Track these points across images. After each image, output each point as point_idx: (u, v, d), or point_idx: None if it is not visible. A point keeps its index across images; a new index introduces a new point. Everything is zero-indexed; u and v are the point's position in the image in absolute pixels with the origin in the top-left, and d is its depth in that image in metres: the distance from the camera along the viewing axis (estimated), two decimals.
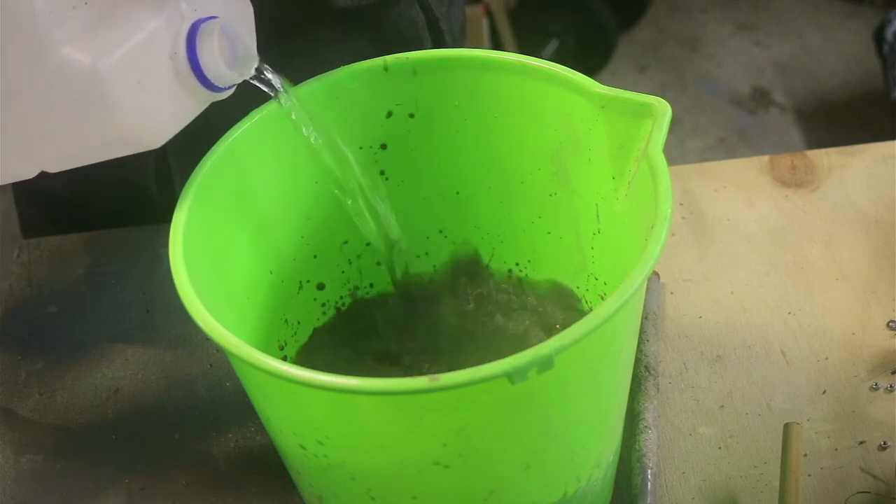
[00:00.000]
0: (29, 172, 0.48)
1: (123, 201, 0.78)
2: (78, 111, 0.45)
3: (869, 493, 0.57)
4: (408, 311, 0.61)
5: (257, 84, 0.51)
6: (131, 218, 0.77)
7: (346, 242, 0.60)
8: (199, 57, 0.47)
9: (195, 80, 0.47)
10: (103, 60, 0.44)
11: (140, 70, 0.45)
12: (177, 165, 0.74)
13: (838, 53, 2.16)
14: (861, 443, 0.59)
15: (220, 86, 0.48)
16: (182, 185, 0.49)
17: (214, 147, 0.51)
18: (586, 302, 0.59)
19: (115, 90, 0.44)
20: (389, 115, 0.56)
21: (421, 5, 0.74)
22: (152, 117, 0.46)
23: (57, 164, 0.48)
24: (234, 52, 0.49)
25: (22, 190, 0.84)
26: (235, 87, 0.50)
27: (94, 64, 0.44)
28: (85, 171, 0.49)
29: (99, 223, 0.77)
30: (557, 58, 1.58)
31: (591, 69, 2.06)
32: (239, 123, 0.52)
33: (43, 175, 0.49)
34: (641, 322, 0.60)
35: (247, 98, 0.51)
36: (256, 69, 0.50)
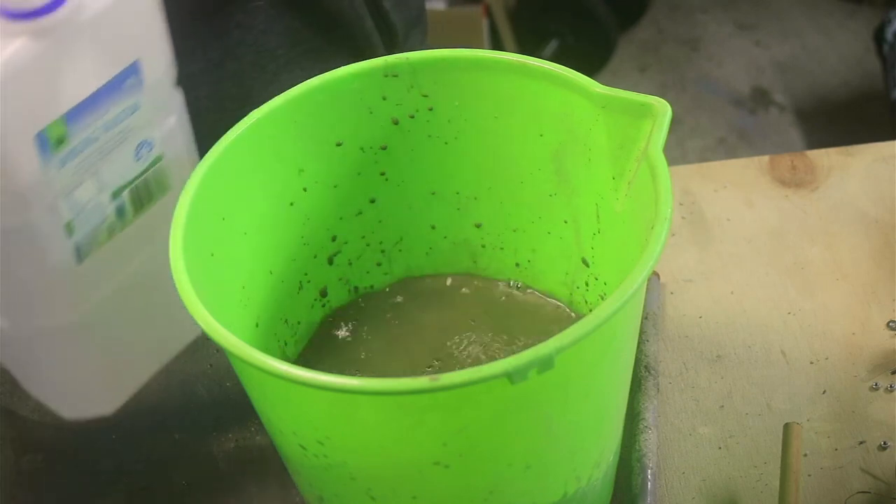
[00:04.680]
0: None
1: None
2: None
3: (869, 493, 0.57)
4: (408, 311, 0.62)
5: None
6: None
7: (346, 243, 0.60)
8: None
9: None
10: None
11: None
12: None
13: (838, 53, 2.16)
14: (861, 443, 0.59)
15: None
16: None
17: (215, 146, 0.51)
18: (586, 302, 0.59)
19: None
20: (389, 116, 0.56)
21: None
22: None
23: None
24: None
25: None
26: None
27: None
28: None
29: None
30: (557, 58, 1.59)
31: (591, 69, 2.06)
32: (240, 123, 0.52)
33: None
34: (641, 322, 0.60)
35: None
36: None
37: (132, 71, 0.49)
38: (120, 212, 0.52)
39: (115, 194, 0.51)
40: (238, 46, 0.66)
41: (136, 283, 0.55)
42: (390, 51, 0.75)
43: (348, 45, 0.73)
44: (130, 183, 0.52)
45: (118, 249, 0.52)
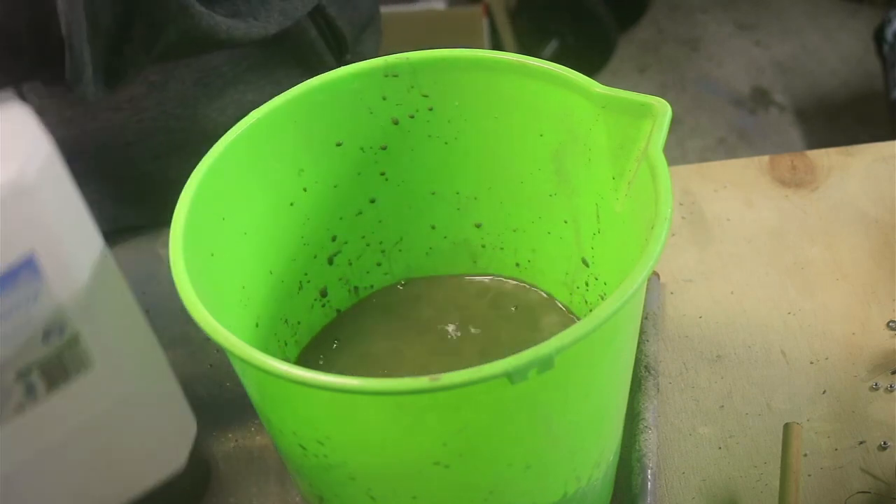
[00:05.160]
0: None
1: None
2: None
3: (869, 493, 0.57)
4: (408, 311, 0.62)
5: None
6: None
7: (346, 243, 0.60)
8: None
9: None
10: None
11: None
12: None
13: (838, 53, 2.16)
14: (861, 443, 0.59)
15: None
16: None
17: (214, 147, 0.51)
18: (586, 302, 0.59)
19: None
20: (389, 116, 0.56)
21: None
22: None
23: None
24: None
25: None
26: None
27: None
28: None
29: None
30: (557, 58, 1.59)
31: (591, 69, 2.07)
32: (239, 123, 0.52)
33: None
34: (641, 322, 0.60)
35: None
36: None
37: (25, 265, 0.44)
38: (29, 390, 0.48)
39: (22, 374, 0.47)
40: (179, 67, 0.66)
41: (56, 453, 0.51)
42: (339, 57, 0.75)
43: (293, 56, 0.72)
44: (40, 363, 0.47)
45: (30, 423, 0.49)
